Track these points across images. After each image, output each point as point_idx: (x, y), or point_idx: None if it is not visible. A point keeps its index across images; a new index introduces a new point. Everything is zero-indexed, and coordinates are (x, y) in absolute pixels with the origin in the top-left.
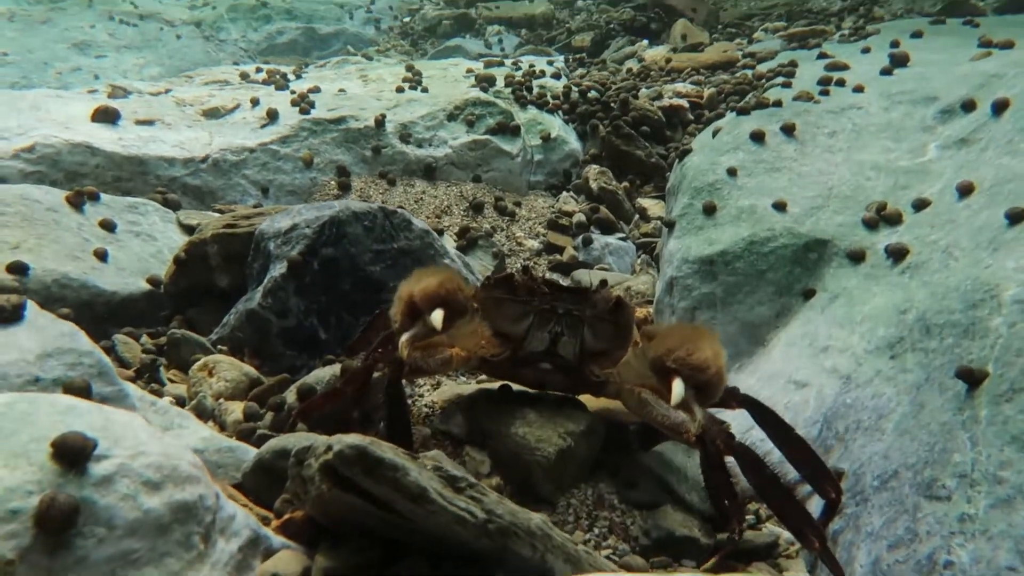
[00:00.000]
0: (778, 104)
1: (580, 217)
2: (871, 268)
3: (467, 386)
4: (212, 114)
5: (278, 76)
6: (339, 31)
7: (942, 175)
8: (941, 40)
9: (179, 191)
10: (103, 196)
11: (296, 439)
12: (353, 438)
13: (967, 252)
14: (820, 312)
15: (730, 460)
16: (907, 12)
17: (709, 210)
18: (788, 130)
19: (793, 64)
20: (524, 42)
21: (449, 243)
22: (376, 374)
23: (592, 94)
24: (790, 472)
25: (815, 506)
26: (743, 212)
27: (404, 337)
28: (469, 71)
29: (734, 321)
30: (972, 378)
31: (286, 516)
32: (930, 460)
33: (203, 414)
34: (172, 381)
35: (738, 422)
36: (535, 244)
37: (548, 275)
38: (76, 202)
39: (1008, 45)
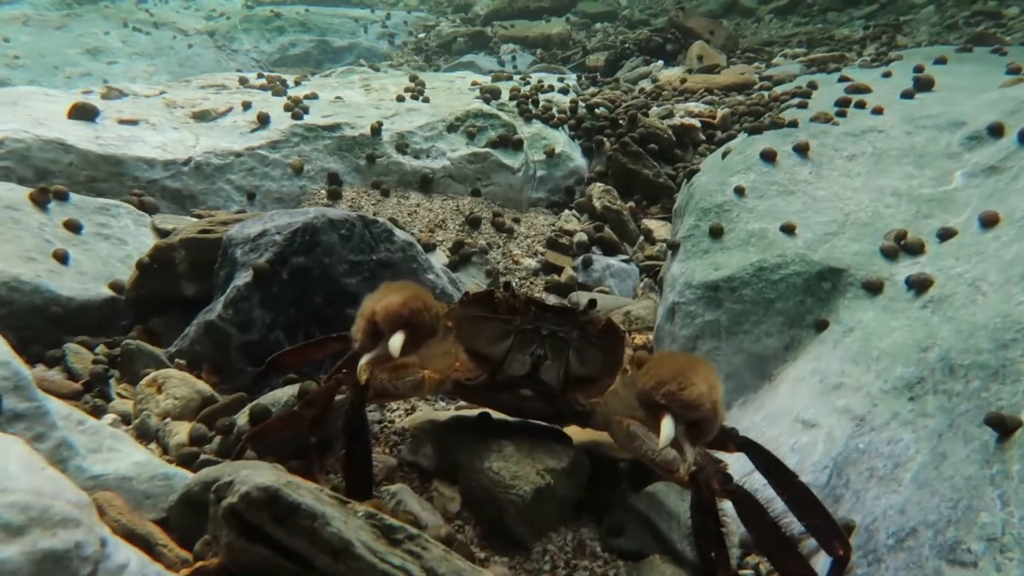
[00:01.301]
0: (794, 124)
1: (581, 236)
2: (889, 301)
3: (444, 412)
4: (202, 117)
5: (277, 82)
6: (353, 44)
7: (968, 204)
8: (967, 67)
9: (158, 194)
10: (73, 196)
11: (235, 469)
12: (264, 476)
13: (996, 287)
14: (833, 346)
15: (728, 505)
16: (931, 43)
17: (716, 233)
18: (801, 150)
19: (812, 86)
20: (538, 60)
21: (441, 258)
22: (340, 397)
23: (600, 110)
24: (795, 523)
25: (821, 564)
26: (752, 236)
27: (364, 360)
28: (474, 84)
29: (739, 352)
30: (1003, 427)
31: (196, 565)
32: (953, 519)
33: (146, 435)
34: (121, 396)
35: (736, 466)
36: (532, 263)
37: (536, 294)
38: (40, 200)
39: None
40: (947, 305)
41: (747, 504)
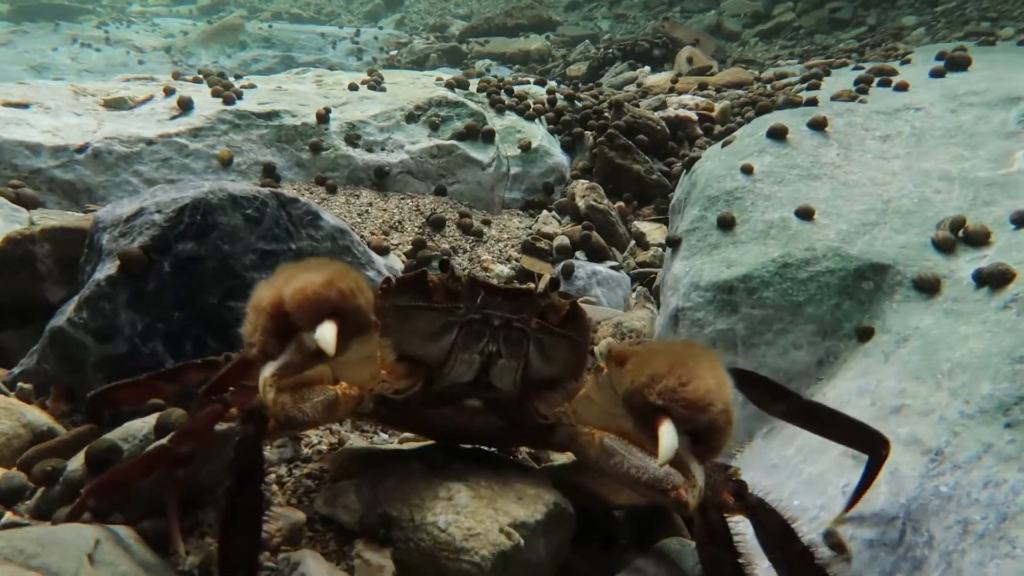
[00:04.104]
0: (812, 103)
1: (563, 240)
2: (952, 302)
3: (385, 446)
4: (116, 105)
5: (214, 75)
6: (319, 60)
7: None
8: (994, 56)
9: (44, 187)
10: None
11: (27, 545)
12: None
13: None
14: (884, 359)
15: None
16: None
17: (726, 224)
18: (818, 125)
19: (825, 71)
20: (516, 73)
21: (396, 264)
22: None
23: (580, 103)
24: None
25: None
26: (772, 227)
27: (268, 370)
28: (439, 79)
29: (761, 368)
30: None
31: None
32: None
33: None
34: None
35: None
36: (505, 270)
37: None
38: None
39: None
40: None
41: (772, 524)
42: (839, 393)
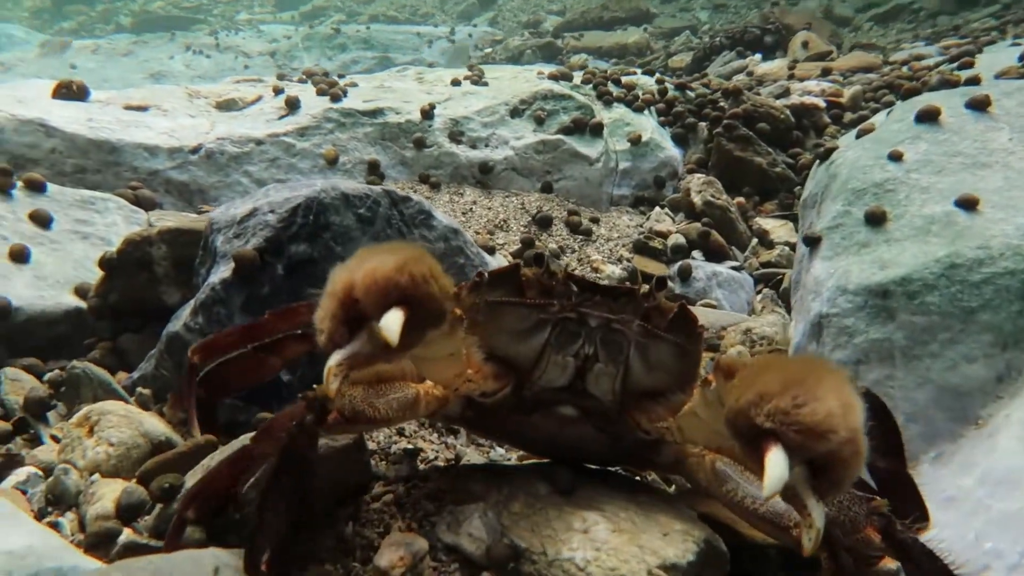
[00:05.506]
0: (974, 82)
1: (678, 239)
2: None
3: (505, 462)
4: (227, 106)
5: (318, 74)
6: (416, 60)
7: None
8: None
9: (160, 188)
10: (50, 187)
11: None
12: None
13: None
14: None
15: None
16: None
17: (876, 219)
18: (979, 106)
19: (978, 48)
20: (614, 66)
21: (501, 264)
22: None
23: (692, 93)
24: None
25: None
26: (933, 222)
27: (334, 359)
28: (541, 73)
29: (925, 384)
30: None
31: None
32: None
33: (63, 499)
34: (56, 440)
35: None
36: (616, 270)
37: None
38: (2, 186)
39: None
40: None
41: (930, 570)
42: None
